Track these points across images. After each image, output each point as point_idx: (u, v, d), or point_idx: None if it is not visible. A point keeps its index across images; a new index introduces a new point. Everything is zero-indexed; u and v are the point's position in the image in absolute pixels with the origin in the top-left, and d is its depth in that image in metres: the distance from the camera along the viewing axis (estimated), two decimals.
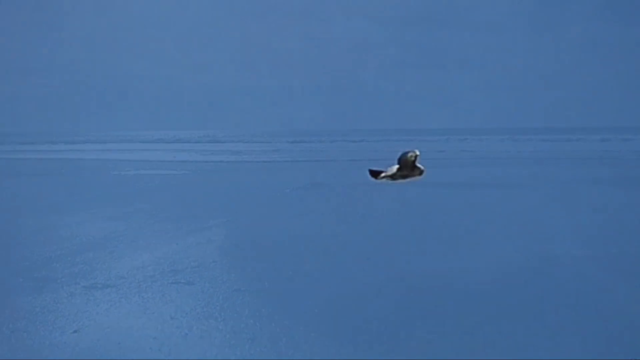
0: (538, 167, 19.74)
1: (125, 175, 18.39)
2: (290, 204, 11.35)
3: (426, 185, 14.41)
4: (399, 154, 2.21)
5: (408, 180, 2.29)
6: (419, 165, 2.23)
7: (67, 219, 9.13)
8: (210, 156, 29.34)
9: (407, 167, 2.20)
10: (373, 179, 2.31)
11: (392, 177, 2.24)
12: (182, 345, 4.11)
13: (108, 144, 45.27)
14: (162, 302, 5.02)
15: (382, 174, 2.26)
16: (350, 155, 27.59)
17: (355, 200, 11.91)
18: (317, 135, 54.80)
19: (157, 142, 48.08)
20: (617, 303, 4.99)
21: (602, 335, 4.27)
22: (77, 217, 9.29)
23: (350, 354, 3.94)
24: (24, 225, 8.65)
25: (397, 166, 2.20)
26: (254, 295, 5.15)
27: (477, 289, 5.33)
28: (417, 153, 2.21)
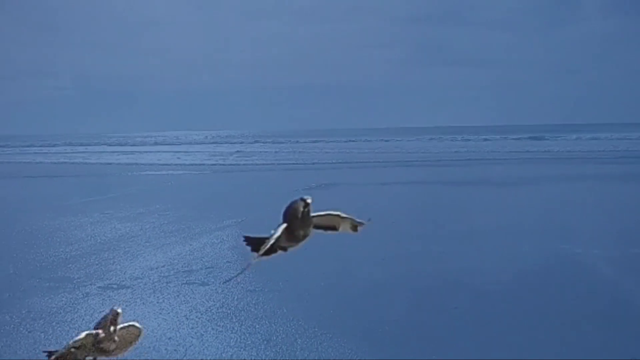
0: (554, 165, 19.58)
1: (138, 177, 18.48)
2: None
3: (438, 183, 14.35)
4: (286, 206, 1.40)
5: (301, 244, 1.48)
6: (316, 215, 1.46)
7: (82, 220, 9.19)
8: (222, 157, 29.41)
9: (300, 224, 1.43)
10: (255, 255, 1.44)
11: (281, 246, 1.46)
12: (198, 345, 4.12)
13: (121, 147, 45.51)
14: (176, 302, 5.03)
15: (265, 245, 1.42)
16: (359, 155, 27.54)
17: (366, 199, 11.88)
18: (325, 135, 54.74)
19: (169, 144, 48.30)
20: (633, 302, 4.94)
21: (618, 334, 4.23)
22: (92, 218, 9.35)
23: (364, 354, 3.93)
24: (40, 227, 8.72)
25: (283, 226, 1.44)
26: (268, 296, 5.15)
27: (491, 289, 5.29)
28: (309, 200, 1.47)
